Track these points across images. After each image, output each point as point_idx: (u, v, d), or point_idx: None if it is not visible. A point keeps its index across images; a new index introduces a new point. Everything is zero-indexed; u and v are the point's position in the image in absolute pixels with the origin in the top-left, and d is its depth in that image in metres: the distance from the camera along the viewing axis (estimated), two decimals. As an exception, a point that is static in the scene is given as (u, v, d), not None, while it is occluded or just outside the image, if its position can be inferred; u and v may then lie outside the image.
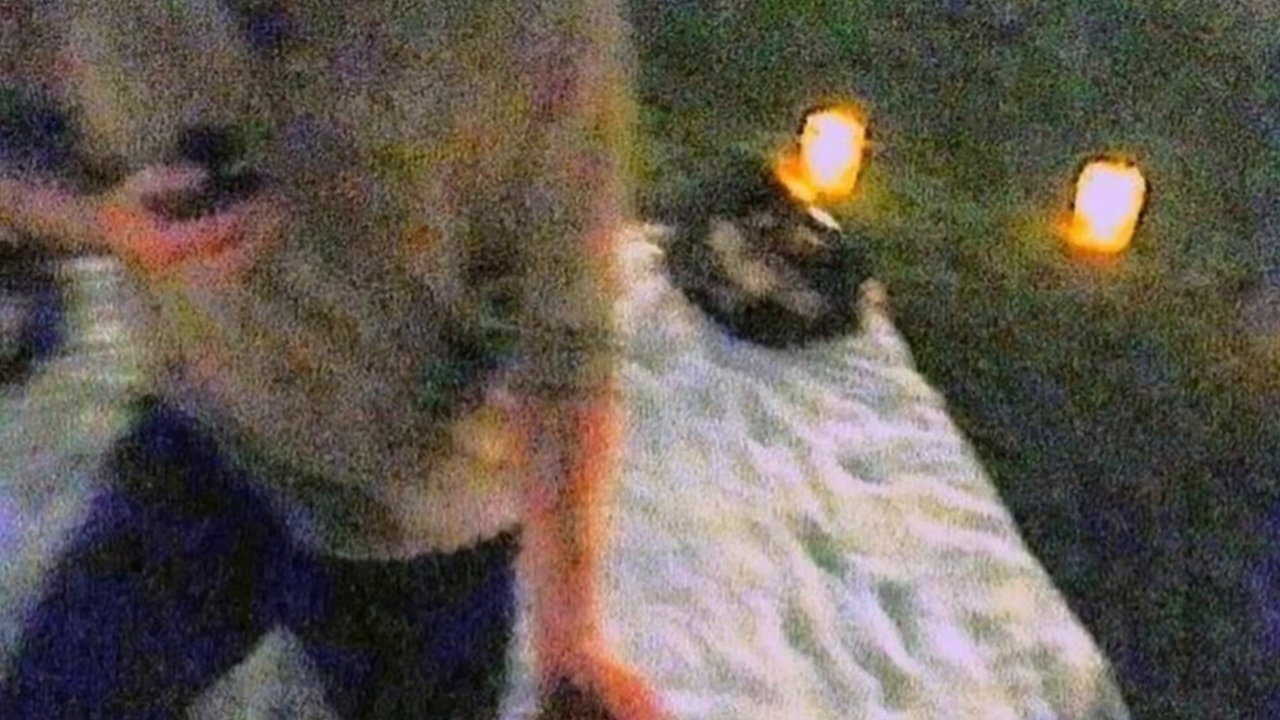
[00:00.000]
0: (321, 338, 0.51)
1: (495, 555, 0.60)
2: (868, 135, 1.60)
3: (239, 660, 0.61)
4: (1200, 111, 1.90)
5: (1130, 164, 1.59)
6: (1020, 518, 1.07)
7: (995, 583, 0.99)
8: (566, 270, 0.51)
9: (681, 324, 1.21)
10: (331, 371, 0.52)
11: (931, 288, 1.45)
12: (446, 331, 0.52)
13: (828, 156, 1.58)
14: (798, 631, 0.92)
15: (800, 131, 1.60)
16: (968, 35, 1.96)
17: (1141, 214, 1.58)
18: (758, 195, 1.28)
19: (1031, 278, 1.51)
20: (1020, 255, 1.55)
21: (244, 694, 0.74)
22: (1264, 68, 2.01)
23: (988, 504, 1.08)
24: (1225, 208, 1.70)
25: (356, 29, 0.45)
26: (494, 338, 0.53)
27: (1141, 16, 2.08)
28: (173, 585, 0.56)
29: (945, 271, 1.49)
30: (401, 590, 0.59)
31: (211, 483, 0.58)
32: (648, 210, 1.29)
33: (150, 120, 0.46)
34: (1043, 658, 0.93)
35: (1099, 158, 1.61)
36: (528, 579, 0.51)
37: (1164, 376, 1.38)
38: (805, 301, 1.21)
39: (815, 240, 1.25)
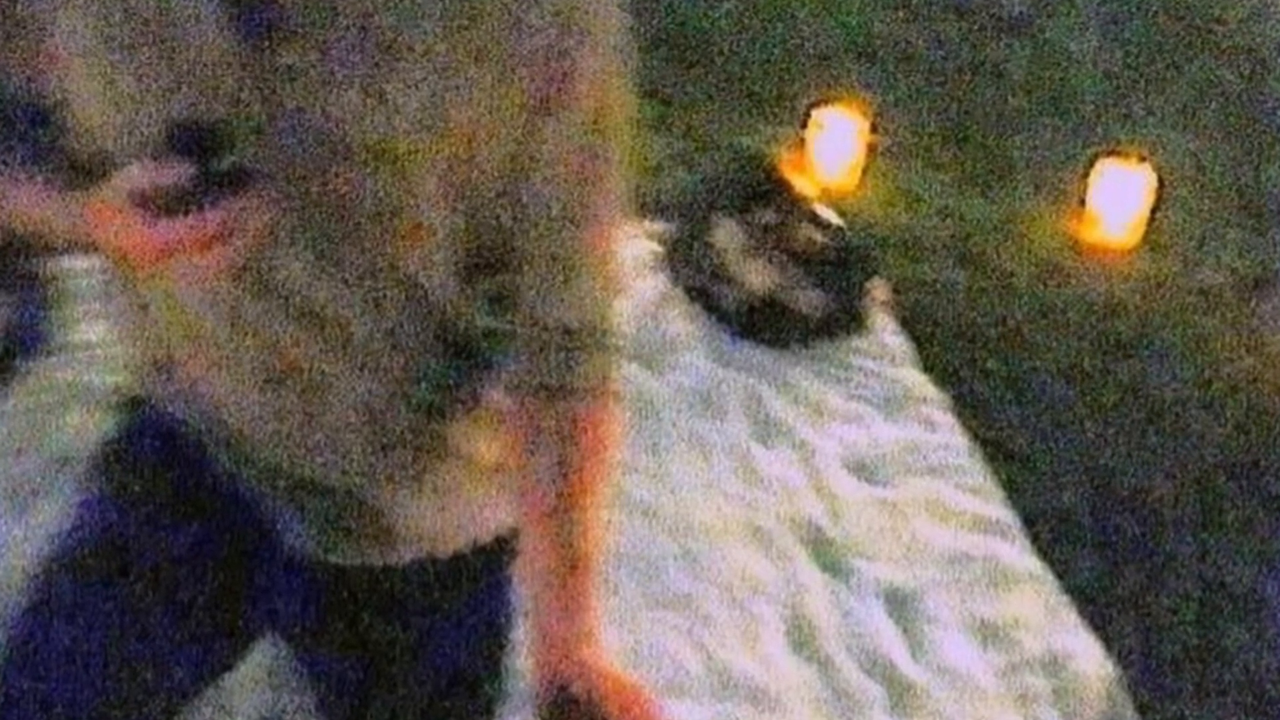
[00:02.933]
0: (313, 337, 0.50)
1: (491, 560, 0.59)
2: (873, 130, 1.58)
3: (228, 668, 0.60)
4: (1214, 105, 1.87)
5: (1142, 159, 1.57)
6: (1029, 522, 1.06)
7: (1004, 588, 0.98)
8: (564, 268, 0.50)
9: (682, 323, 1.20)
10: (323, 372, 0.51)
11: (938, 286, 1.44)
12: (441, 331, 0.52)
13: (832, 151, 1.56)
14: (801, 638, 0.91)
15: (804, 126, 1.58)
16: (976, 27, 1.94)
17: (1154, 210, 1.56)
18: (760, 191, 1.27)
19: (1041, 275, 1.49)
20: (1029, 253, 1.53)
21: (233, 702, 0.73)
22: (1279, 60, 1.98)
23: (996, 508, 1.06)
24: (1240, 204, 1.68)
25: (349, 21, 0.44)
26: (490, 337, 0.53)
27: (1154, 8, 2.06)
28: (160, 591, 0.56)
29: (952, 269, 1.47)
30: (395, 596, 0.58)
31: (200, 486, 0.58)
32: (648, 207, 1.27)
33: (138, 114, 0.45)
34: (1052, 665, 0.92)
35: (1110, 153, 1.59)
36: (524, 584, 0.50)
37: (1177, 377, 1.36)
38: (809, 300, 1.20)
39: (819, 237, 1.24)
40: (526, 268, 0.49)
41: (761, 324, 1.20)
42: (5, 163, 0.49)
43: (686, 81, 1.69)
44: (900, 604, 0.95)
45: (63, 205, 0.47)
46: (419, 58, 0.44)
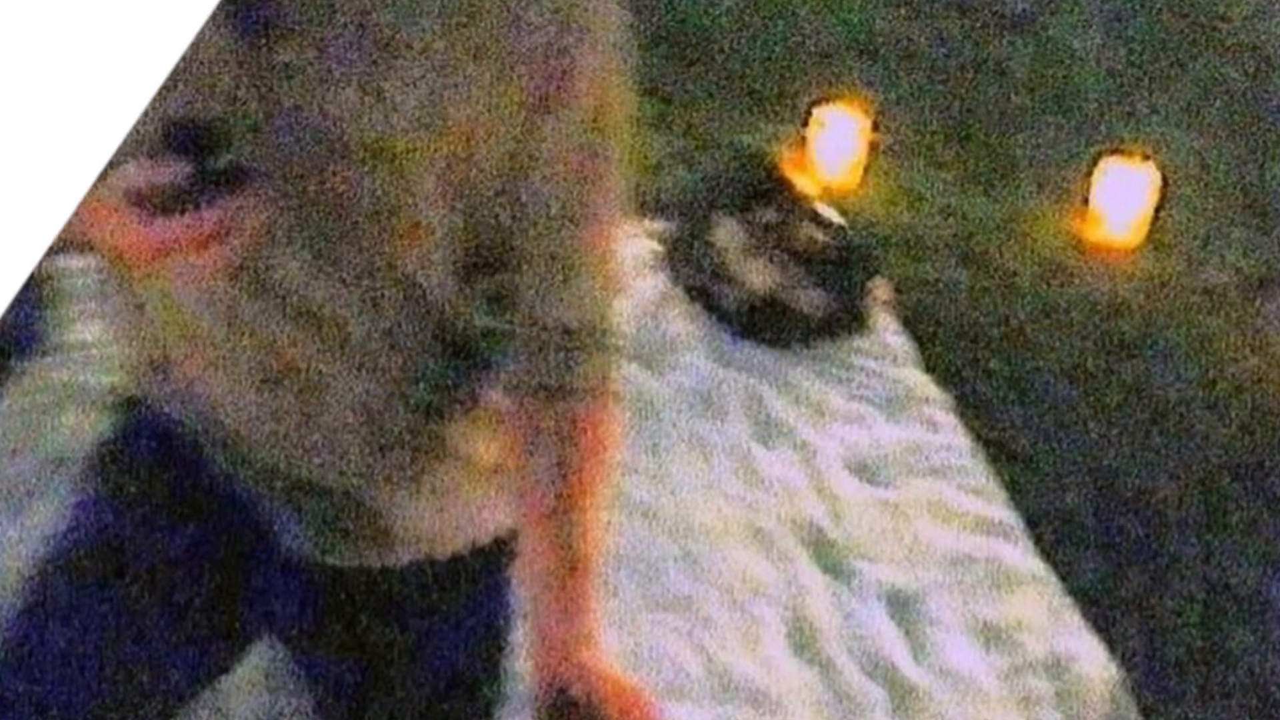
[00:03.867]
0: (310, 337, 0.50)
1: (490, 562, 0.59)
2: (875, 128, 1.58)
3: (225, 670, 0.60)
4: (1218, 103, 1.86)
5: (1146, 157, 1.56)
6: (1032, 523, 1.05)
7: (1006, 590, 0.98)
8: (564, 267, 0.49)
9: (682, 323, 1.20)
10: (321, 372, 0.51)
11: (940, 285, 1.43)
12: (439, 331, 0.51)
13: (833, 150, 1.56)
14: (802, 641, 0.91)
15: (805, 124, 1.57)
16: (978, 24, 1.94)
17: (1158, 209, 1.55)
18: (761, 190, 1.27)
19: (1044, 275, 1.49)
20: (1032, 252, 1.52)
21: (230, 705, 0.73)
22: (1284, 60, 1.97)
23: (999, 509, 1.06)
24: (1244, 203, 1.67)
25: (347, 18, 0.43)
26: (489, 337, 0.52)
27: (1158, 5, 2.05)
28: (157, 593, 0.55)
29: (955, 269, 1.47)
30: (393, 598, 0.58)
31: (197, 487, 0.57)
32: (647, 205, 1.27)
33: (132, 112, 0.45)
34: (1056, 668, 0.92)
35: (1114, 151, 1.58)
36: (523, 586, 0.50)
37: (1181, 377, 1.35)
38: (810, 300, 1.20)
39: (820, 236, 1.24)
40: (525, 267, 0.49)
41: (762, 324, 1.19)
42: None
43: (687, 79, 1.69)
44: (902, 606, 0.94)
45: (57, 204, 0.47)
46: (417, 55, 0.44)
